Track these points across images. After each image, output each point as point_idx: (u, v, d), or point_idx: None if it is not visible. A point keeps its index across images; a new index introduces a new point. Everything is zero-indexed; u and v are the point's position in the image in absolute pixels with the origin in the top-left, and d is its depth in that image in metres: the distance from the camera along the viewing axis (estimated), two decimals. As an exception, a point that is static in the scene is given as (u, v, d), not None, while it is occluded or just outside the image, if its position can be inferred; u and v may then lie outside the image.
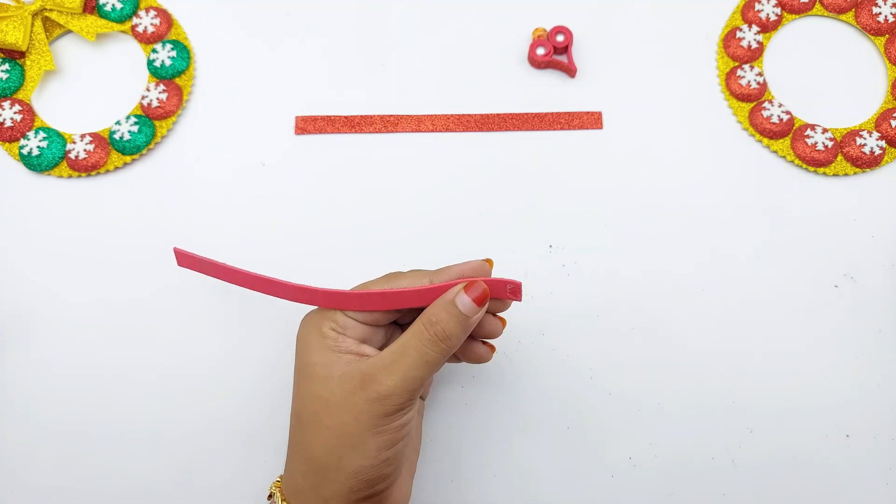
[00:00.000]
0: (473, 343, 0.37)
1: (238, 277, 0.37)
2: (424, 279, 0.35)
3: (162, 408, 0.43)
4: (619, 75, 0.49)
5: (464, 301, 0.33)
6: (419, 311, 0.34)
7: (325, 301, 0.35)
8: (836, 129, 0.47)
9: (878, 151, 0.46)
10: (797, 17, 0.50)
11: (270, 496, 0.36)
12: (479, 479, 0.42)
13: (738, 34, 0.49)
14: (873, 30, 0.49)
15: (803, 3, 0.50)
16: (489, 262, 0.36)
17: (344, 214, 0.46)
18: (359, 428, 0.32)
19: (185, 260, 0.39)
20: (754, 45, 0.49)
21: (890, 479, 0.42)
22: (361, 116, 0.48)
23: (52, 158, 0.47)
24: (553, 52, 0.48)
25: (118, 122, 0.47)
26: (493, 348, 0.37)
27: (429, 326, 0.33)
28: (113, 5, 0.49)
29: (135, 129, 0.47)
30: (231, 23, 0.50)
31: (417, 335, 0.33)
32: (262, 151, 0.48)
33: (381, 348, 0.36)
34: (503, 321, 0.37)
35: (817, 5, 0.50)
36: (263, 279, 0.36)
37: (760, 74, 0.48)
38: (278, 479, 0.36)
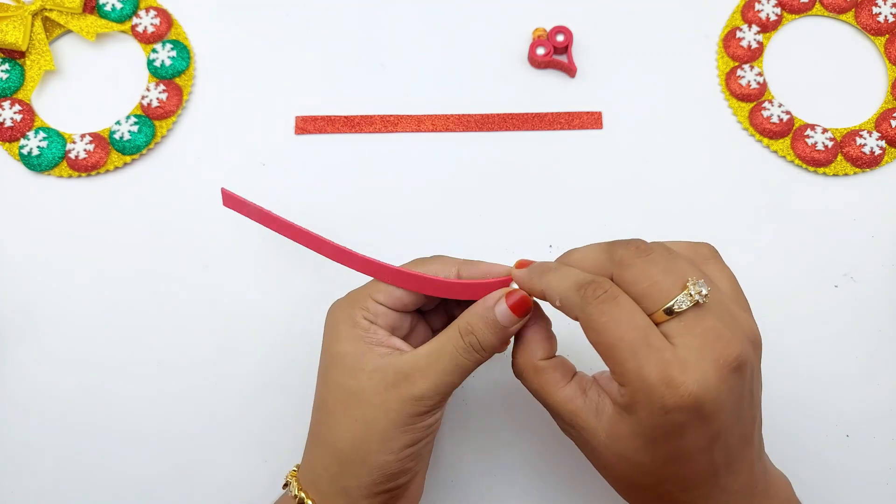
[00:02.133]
0: None
1: (282, 227, 0.37)
2: (452, 267, 0.34)
3: (161, 406, 0.43)
4: (619, 75, 0.49)
5: (502, 310, 0.32)
6: (444, 299, 0.34)
7: (363, 266, 0.35)
8: (836, 129, 0.47)
9: (878, 151, 0.46)
10: (797, 17, 0.50)
11: (286, 485, 0.35)
12: (480, 479, 0.42)
13: (738, 34, 0.49)
14: (873, 30, 0.49)
15: (803, 3, 0.50)
16: (518, 263, 0.35)
17: (344, 214, 0.46)
18: (388, 424, 0.32)
19: (231, 202, 0.39)
20: (754, 45, 0.49)
21: (890, 479, 0.42)
22: (361, 116, 0.48)
23: (52, 158, 0.47)
24: (553, 52, 0.48)
25: (118, 122, 0.47)
26: None
27: (465, 335, 0.33)
28: (113, 5, 0.49)
29: (135, 129, 0.47)
30: (231, 23, 0.50)
31: (453, 341, 0.33)
32: (262, 151, 0.48)
33: (405, 338, 0.35)
34: None
35: (817, 5, 0.50)
36: (305, 232, 0.36)
37: (760, 74, 0.48)
38: (295, 468, 0.36)
